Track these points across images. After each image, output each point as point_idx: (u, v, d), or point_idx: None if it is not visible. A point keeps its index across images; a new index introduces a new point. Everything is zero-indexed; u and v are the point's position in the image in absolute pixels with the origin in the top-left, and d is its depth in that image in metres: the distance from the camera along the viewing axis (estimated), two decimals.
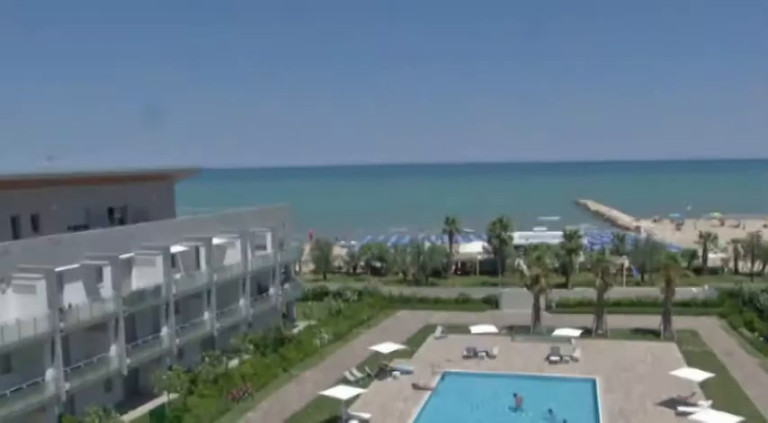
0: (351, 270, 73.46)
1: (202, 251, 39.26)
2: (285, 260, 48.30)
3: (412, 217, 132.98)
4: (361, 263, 72.42)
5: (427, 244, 70.28)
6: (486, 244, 68.70)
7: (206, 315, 39.07)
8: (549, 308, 51.54)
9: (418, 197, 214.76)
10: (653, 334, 44.03)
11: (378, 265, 71.83)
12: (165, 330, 35.74)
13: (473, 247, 73.73)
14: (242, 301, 42.61)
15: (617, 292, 50.47)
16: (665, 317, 44.09)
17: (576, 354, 40.24)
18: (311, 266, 71.76)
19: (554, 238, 69.06)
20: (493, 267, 66.51)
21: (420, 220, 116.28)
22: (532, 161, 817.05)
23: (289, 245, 49.88)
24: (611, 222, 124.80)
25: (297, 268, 69.28)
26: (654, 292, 50.16)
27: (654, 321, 45.34)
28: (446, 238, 71.02)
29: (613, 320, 46.87)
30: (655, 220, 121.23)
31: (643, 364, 38.15)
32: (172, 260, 36.56)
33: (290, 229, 51.40)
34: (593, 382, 35.30)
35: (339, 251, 77.58)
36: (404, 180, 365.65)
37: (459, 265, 70.84)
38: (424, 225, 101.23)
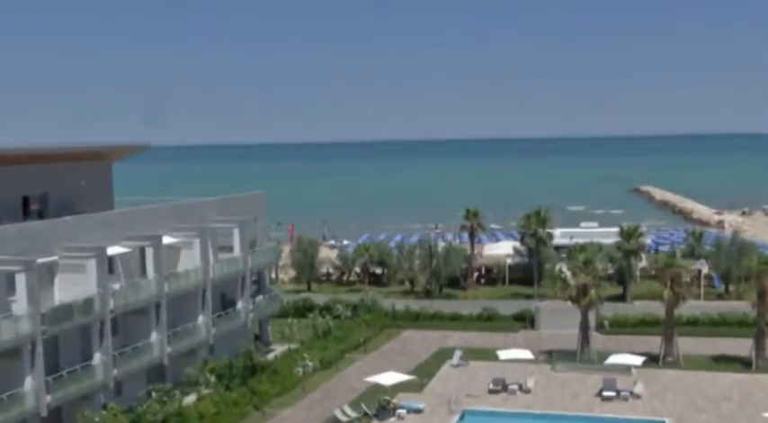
0: (342, 278, 73.77)
1: (149, 253, 38.81)
2: (258, 265, 48.10)
3: (421, 209, 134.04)
4: (357, 268, 72.84)
5: (441, 244, 70.45)
6: (517, 244, 68.77)
7: (153, 337, 38.77)
8: (600, 327, 51.53)
9: (427, 183, 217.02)
10: (741, 363, 43.65)
11: (377, 271, 72.05)
12: (98, 357, 35.31)
13: (501, 249, 74.03)
14: (201, 319, 42.32)
15: (692, 307, 50.16)
16: (759, 340, 43.21)
17: (638, 388, 39.90)
18: (292, 273, 72.10)
19: (607, 236, 69.07)
20: (527, 274, 66.73)
21: (431, 214, 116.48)
22: (569, 136, 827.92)
23: (263, 245, 49.71)
24: (684, 216, 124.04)
25: (273, 275, 69.25)
26: (742, 307, 48.85)
27: (743, 346, 44.91)
28: (466, 236, 71.39)
29: (688, 344, 46.57)
30: (744, 213, 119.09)
31: (728, 403, 37.61)
32: (109, 265, 36.20)
33: (264, 224, 51.23)
34: None
35: (328, 253, 78.01)
36: (407, 162, 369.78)
37: (483, 271, 71.13)
38: (438, 219, 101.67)
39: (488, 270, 71.08)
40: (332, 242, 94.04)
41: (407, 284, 68.36)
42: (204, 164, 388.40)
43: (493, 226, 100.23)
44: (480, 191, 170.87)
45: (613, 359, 42.90)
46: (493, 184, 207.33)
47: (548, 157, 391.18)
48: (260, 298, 48.68)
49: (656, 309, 49.14)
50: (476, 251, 69.68)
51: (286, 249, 73.36)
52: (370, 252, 70.69)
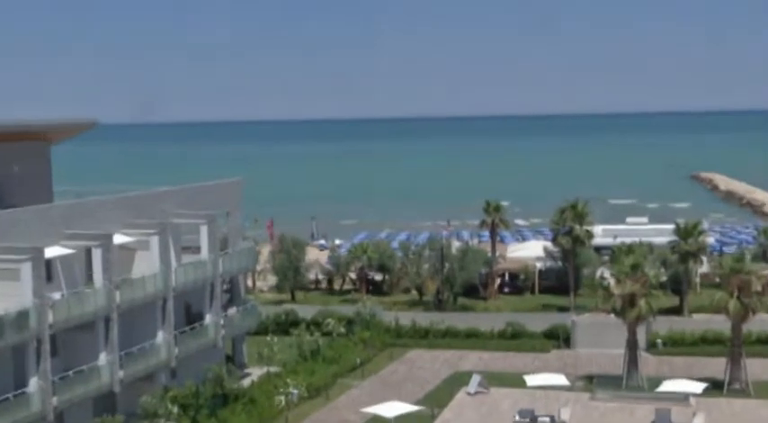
0: (334, 286, 73.91)
1: (96, 255, 38.37)
2: (231, 270, 47.89)
3: (430, 201, 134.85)
4: (352, 274, 73.00)
5: (456, 244, 70.76)
6: (549, 245, 68.84)
7: (102, 358, 38.45)
8: (652, 347, 51.33)
9: (438, 169, 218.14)
10: None
11: (377, 277, 72.26)
12: (33, 383, 34.95)
13: (529, 250, 74.36)
14: (161, 336, 42.04)
15: (764, 322, 49.55)
16: None
17: (699, 421, 39.51)
18: (272, 280, 72.26)
19: (660, 234, 69.00)
20: (560, 282, 66.77)
21: (443, 207, 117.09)
22: (611, 112, 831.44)
23: (237, 246, 49.44)
24: (754, 209, 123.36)
25: (250, 283, 69.02)
26: None
27: None
28: (486, 235, 71.67)
29: (758, 368, 46.33)
30: None
31: None
32: (47, 270, 35.78)
33: (239, 220, 50.97)
34: None
35: (316, 255, 78.00)
36: (412, 143, 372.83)
37: (508, 277, 71.21)
38: (451, 214, 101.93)
39: (513, 276, 71.09)
40: (321, 242, 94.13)
41: (414, 294, 68.37)
42: (168, 145, 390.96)
43: (519, 222, 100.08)
44: (503, 179, 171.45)
45: (667, 386, 42.53)
46: (518, 170, 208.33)
47: (585, 137, 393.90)
48: (233, 310, 48.46)
49: (720, 324, 48.83)
50: (498, 253, 69.69)
51: (265, 251, 73.62)
52: (368, 254, 70.53)
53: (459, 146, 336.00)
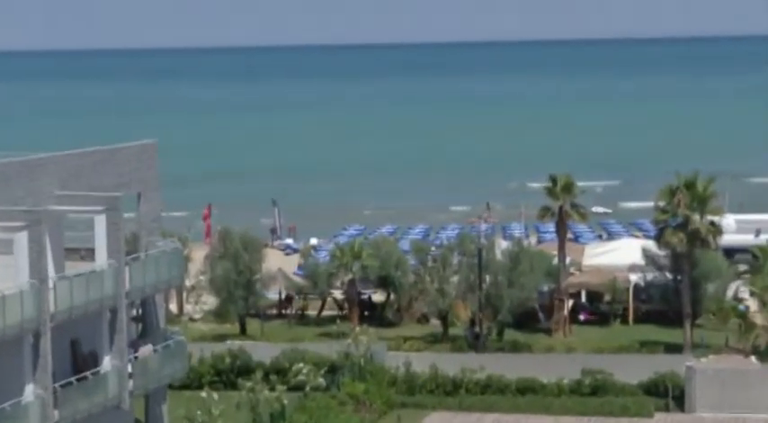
0: (308, 310, 74.46)
1: None
2: (143, 286, 47.43)
3: (458, 177, 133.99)
4: (336, 292, 73.17)
5: (502, 245, 71.18)
6: (651, 245, 69.22)
7: None
8: None
9: (469, 126, 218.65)
10: None
11: (377, 298, 73.05)
12: None
13: (618, 254, 74.45)
14: (30, 390, 41.64)
15: None
16: None
17: None
18: (210, 302, 72.37)
19: None
20: (670, 304, 67.12)
21: (478, 186, 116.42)
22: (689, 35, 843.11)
23: (153, 248, 48.96)
24: None
25: (174, 307, 68.46)
26: None
27: None
28: (549, 230, 72.72)
29: None
30: None
31: None
32: None
33: (156, 207, 50.51)
34: None
35: (280, 263, 78.14)
36: (413, 82, 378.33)
37: (585, 298, 71.69)
38: (492, 196, 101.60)
39: (594, 296, 71.26)
40: (288, 241, 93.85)
41: (435, 324, 68.40)
42: (55, 83, 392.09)
43: (599, 210, 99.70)
44: (573, 142, 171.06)
45: None
46: (595, 129, 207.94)
47: (691, 72, 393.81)
48: (147, 350, 48.06)
49: None
50: (569, 259, 69.84)
51: (199, 255, 73.68)
52: (362, 260, 70.17)
53: (484, 84, 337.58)
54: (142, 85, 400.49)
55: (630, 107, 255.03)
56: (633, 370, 55.87)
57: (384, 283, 71.09)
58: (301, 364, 54.60)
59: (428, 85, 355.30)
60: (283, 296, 74.61)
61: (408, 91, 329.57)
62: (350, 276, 70.19)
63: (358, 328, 62.77)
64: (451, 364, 57.51)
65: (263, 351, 59.31)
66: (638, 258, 70.15)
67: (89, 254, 44.96)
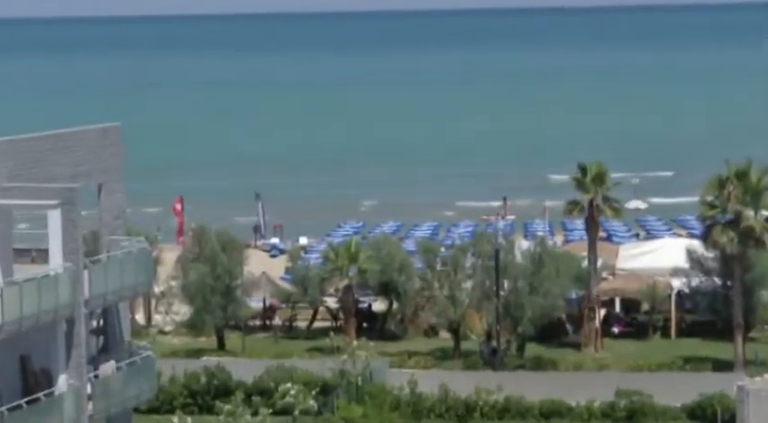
0: (294, 322, 74.69)
1: None
2: (104, 293, 47.31)
3: (470, 166, 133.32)
4: (330, 300, 73.30)
5: (523, 245, 70.84)
6: (696, 245, 69.53)
7: None
8: None
9: (484, 105, 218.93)
10: None
11: (377, 306, 73.16)
12: None
13: (658, 256, 74.52)
14: None
15: None
16: None
17: None
18: (182, 311, 72.67)
19: None
20: (718, 315, 67.19)
21: (494, 177, 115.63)
22: None
23: (116, 248, 48.94)
24: None
25: (141, 317, 68.52)
26: None
27: None
28: (577, 228, 73.02)
29: None
30: None
31: None
32: None
33: (119, 200, 50.40)
34: None
35: (264, 266, 78.50)
36: (414, 56, 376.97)
37: (620, 307, 71.75)
38: (509, 191, 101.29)
39: (630, 304, 71.28)
40: (274, 241, 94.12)
41: (446, 337, 68.55)
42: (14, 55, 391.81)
43: (636, 204, 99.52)
44: (604, 125, 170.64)
45: None
46: (630, 110, 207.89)
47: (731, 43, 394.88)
48: (109, 367, 48.04)
49: None
50: (601, 262, 69.82)
51: (170, 257, 74.02)
52: (360, 263, 70.22)
53: (496, 55, 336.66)
54: (104, 58, 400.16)
55: (670, 83, 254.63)
56: (676, 391, 55.98)
57: (385, 289, 71.01)
58: (289, 384, 54.42)
59: (436, 58, 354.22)
60: (267, 305, 74.43)
61: (412, 66, 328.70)
62: (346, 282, 70.14)
63: (355, 342, 62.72)
64: (464, 383, 57.63)
65: (244, 369, 59.50)
66: (681, 261, 69.93)
67: (41, 255, 44.90)
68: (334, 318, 72.89)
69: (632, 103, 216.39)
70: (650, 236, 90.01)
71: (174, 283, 72.07)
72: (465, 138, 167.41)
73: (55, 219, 44.77)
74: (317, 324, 73.62)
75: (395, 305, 71.69)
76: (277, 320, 74.62)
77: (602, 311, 69.32)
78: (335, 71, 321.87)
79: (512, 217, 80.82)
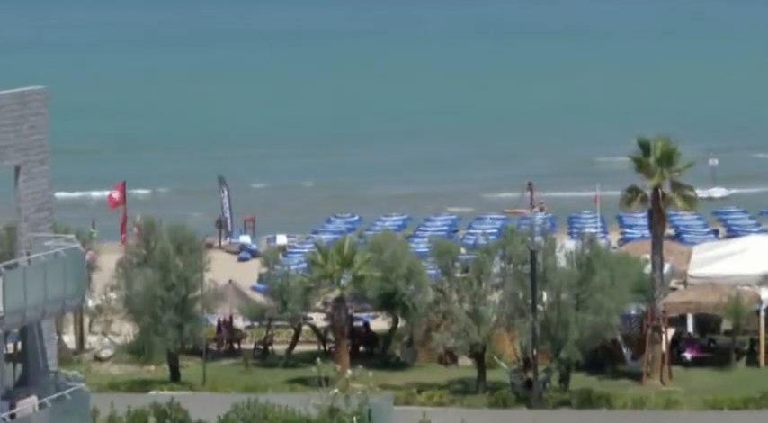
0: (270, 345, 75.38)
1: None
2: (22, 308, 47.08)
3: (486, 143, 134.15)
4: (317, 316, 73.79)
5: (566, 247, 70.94)
6: None
7: None
8: None
9: (509, 73, 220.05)
10: None
11: (377, 324, 73.84)
12: None
13: (741, 259, 74.84)
14: None
15: None
16: None
17: None
18: (125, 331, 73.06)
19: None
20: None
21: (526, 160, 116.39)
22: None
23: (38, 249, 48.99)
24: None
25: (69, 338, 68.55)
26: None
27: None
28: (639, 223, 74.44)
29: None
30: None
31: None
32: None
33: (44, 185, 50.49)
34: None
35: (232, 271, 79.62)
36: (436, 11, 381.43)
37: (693, 326, 71.97)
38: (543, 180, 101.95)
39: (707, 322, 71.71)
40: (243, 240, 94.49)
41: (466, 363, 68.92)
42: None
43: (716, 193, 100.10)
44: (673, 92, 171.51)
45: None
46: (705, 76, 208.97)
47: None
48: (29, 404, 48.16)
49: None
50: (668, 267, 70.83)
51: (108, 260, 74.41)
52: (354, 269, 70.43)
53: (529, 9, 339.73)
54: (32, 6, 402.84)
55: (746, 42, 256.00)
56: None
57: (389, 303, 70.99)
58: (271, 420, 55.13)
59: (450, 12, 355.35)
60: (223, 319, 75.06)
61: (418, 21, 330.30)
62: (337, 293, 70.55)
63: (349, 372, 62.98)
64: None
65: (205, 406, 59.27)
66: None
67: None
68: (322, 340, 73.20)
69: (714, 68, 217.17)
70: (733, 233, 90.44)
71: (113, 295, 72.16)
72: (490, 108, 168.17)
73: None
74: (299, 348, 73.61)
75: (401, 323, 72.11)
76: (247, 343, 74.81)
77: (671, 332, 69.76)
78: (328, 22, 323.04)
79: (542, 207, 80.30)
